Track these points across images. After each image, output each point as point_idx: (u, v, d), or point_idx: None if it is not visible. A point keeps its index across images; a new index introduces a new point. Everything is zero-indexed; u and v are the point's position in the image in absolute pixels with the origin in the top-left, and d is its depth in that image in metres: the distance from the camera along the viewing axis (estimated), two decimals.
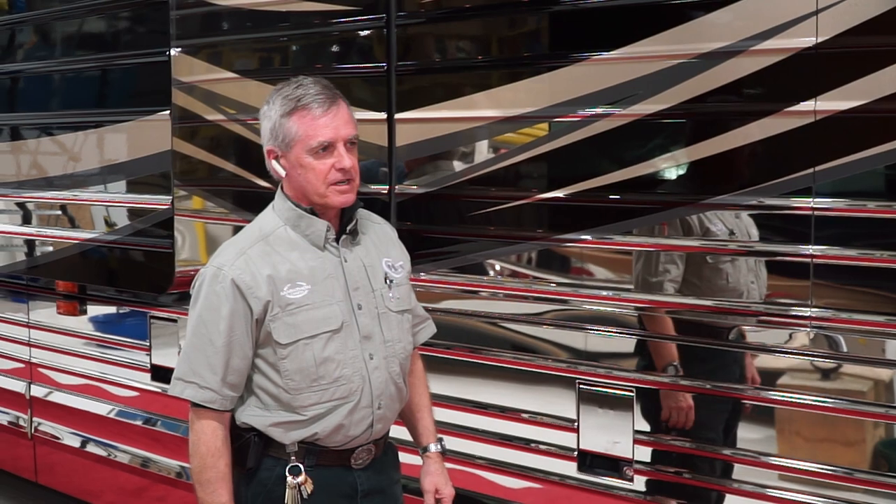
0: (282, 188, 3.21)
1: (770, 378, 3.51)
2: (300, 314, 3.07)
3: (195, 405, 3.10)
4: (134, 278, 5.56)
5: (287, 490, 3.10)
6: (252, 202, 4.79)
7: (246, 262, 3.08)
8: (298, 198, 3.15)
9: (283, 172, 3.14)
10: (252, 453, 3.15)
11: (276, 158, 3.13)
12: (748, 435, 3.58)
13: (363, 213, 3.30)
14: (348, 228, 3.20)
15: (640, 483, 3.77)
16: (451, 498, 3.43)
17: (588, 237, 3.81)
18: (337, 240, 3.18)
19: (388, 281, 3.25)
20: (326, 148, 3.06)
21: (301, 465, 3.11)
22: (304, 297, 3.09)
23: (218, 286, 3.07)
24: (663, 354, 3.74)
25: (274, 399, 3.12)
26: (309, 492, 3.10)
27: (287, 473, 3.10)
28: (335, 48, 4.65)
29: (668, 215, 3.64)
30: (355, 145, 3.14)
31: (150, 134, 5.16)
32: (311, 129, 3.05)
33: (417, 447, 3.48)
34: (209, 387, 3.07)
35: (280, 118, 3.08)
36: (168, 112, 5.01)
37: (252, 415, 3.15)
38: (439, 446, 3.46)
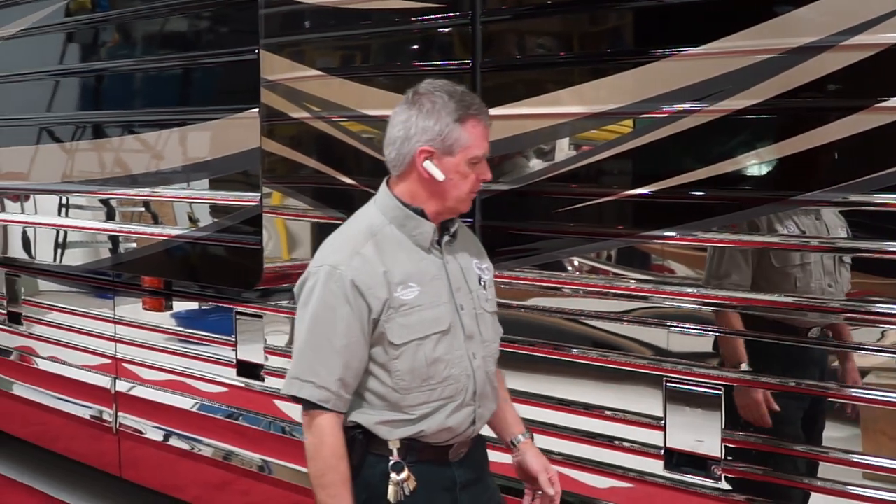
0: (387, 183, 3.22)
1: (860, 376, 3.47)
2: (413, 315, 3.09)
3: (311, 407, 3.09)
4: (221, 274, 5.58)
5: (390, 486, 3.11)
6: (336, 199, 4.83)
7: (363, 261, 3.08)
8: (411, 197, 3.16)
9: (441, 176, 3.09)
10: (356, 450, 3.15)
11: (430, 158, 3.11)
12: (839, 434, 3.54)
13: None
14: (452, 230, 3.23)
15: (728, 482, 3.75)
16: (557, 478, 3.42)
17: (674, 234, 3.79)
18: (439, 242, 3.21)
19: (481, 282, 3.29)
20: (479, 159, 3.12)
21: (403, 462, 3.13)
22: (415, 298, 3.10)
23: (334, 285, 3.06)
24: (752, 352, 3.71)
25: (381, 398, 3.14)
26: (411, 489, 3.12)
27: (390, 470, 3.12)
28: (420, 46, 4.66)
29: (755, 212, 3.60)
30: None
31: (238, 132, 5.18)
32: (476, 139, 3.10)
33: (506, 440, 3.49)
34: (326, 386, 3.06)
35: (453, 122, 3.07)
36: (256, 110, 5.05)
37: (359, 412, 3.16)
38: (529, 434, 3.48)
